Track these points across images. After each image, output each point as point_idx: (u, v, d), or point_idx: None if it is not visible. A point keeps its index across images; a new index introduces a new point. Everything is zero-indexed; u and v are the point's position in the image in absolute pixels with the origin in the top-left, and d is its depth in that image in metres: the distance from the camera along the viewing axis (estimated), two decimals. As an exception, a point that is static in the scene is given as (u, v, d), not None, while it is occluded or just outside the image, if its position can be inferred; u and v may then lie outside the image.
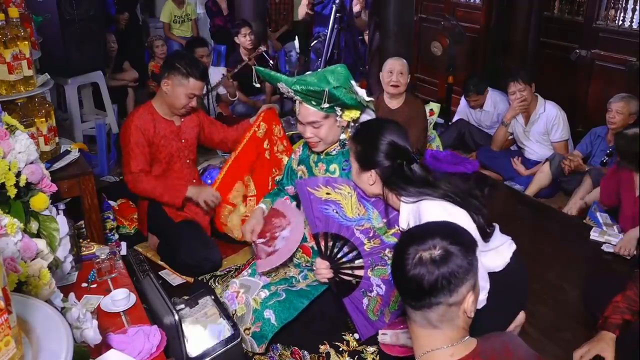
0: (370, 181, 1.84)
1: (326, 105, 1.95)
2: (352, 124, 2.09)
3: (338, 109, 2.00)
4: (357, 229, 1.89)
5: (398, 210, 1.86)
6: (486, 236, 1.79)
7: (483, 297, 1.78)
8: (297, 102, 2.01)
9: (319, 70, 2.13)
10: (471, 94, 4.26)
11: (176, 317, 1.64)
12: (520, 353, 1.22)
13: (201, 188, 2.74)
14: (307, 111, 2.00)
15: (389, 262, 1.81)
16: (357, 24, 4.42)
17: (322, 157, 2.15)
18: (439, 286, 1.12)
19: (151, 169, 2.72)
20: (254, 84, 2.24)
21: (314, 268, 1.99)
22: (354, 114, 2.04)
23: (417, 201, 1.76)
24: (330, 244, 1.91)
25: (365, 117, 2.11)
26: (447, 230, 1.19)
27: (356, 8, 4.16)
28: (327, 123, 2.02)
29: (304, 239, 2.19)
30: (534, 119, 3.84)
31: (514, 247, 1.98)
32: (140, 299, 1.72)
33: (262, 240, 2.20)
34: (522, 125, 3.93)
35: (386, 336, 1.81)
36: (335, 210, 1.91)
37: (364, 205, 1.93)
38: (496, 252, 1.91)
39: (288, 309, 1.97)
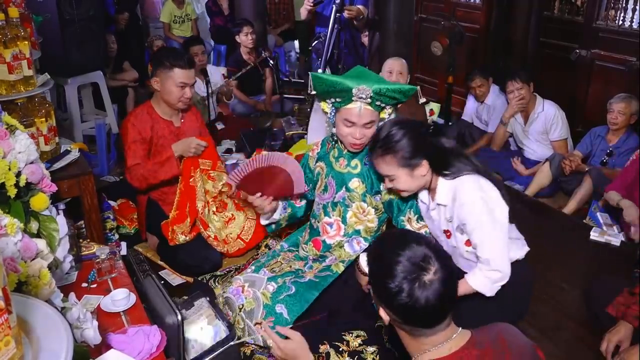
0: (424, 171, 1.86)
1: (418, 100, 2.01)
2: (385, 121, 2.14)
3: (388, 107, 2.04)
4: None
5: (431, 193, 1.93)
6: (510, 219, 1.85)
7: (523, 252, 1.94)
8: (360, 104, 1.97)
9: (349, 72, 2.10)
10: (476, 78, 4.25)
11: (179, 316, 1.63)
12: (515, 342, 1.22)
13: (182, 141, 2.65)
14: (367, 112, 2.00)
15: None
16: (355, 24, 4.41)
17: (344, 152, 2.17)
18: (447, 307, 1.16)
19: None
20: (309, 92, 2.25)
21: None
22: (390, 110, 2.08)
23: (456, 177, 1.83)
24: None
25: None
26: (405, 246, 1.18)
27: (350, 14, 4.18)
28: (376, 122, 2.06)
29: (317, 233, 2.22)
30: (533, 118, 3.84)
31: (527, 248, 2.01)
32: (140, 299, 1.72)
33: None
34: (522, 124, 3.93)
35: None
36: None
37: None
38: (514, 243, 1.94)
39: (299, 302, 1.98)
